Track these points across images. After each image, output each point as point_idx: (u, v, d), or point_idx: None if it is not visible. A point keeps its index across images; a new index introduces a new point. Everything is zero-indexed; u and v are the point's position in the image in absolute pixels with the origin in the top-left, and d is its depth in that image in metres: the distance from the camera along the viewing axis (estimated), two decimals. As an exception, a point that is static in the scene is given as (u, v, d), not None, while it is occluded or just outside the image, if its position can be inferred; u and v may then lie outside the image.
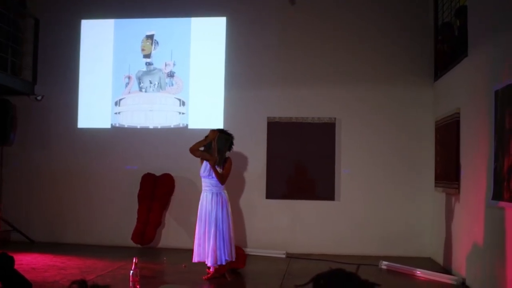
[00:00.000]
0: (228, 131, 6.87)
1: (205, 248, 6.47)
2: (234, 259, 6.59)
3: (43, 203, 9.40)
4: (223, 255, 6.43)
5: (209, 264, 6.48)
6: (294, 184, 8.86)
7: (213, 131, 6.72)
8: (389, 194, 8.69)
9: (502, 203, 5.19)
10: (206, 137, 6.68)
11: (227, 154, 6.77)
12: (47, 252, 8.13)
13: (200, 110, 9.22)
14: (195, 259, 6.56)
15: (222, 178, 6.58)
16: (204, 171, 6.64)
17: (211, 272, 6.56)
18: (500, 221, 5.31)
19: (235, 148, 8.99)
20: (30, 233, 9.26)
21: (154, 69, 9.39)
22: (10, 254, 5.29)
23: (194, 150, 6.63)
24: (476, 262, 6.07)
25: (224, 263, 6.48)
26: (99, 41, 9.54)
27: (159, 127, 9.31)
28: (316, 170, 8.78)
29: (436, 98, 8.46)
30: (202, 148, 6.67)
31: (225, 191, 6.67)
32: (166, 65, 9.36)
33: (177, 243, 8.92)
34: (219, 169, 6.57)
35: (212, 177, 6.56)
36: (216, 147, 6.59)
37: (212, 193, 6.57)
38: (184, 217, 9.05)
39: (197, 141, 6.68)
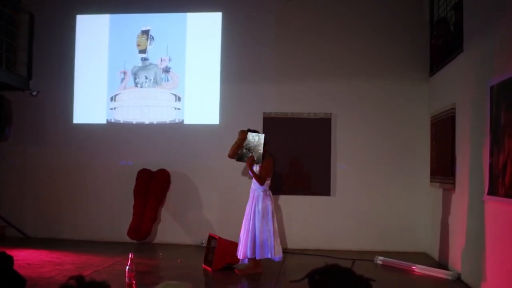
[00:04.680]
0: (255, 129, 6.77)
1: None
2: (257, 257, 6.53)
3: (38, 199, 9.39)
4: (246, 250, 6.52)
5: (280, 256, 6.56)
6: (290, 179, 8.86)
7: (242, 131, 6.66)
8: (384, 190, 8.70)
9: (498, 199, 5.20)
10: (237, 139, 6.65)
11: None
12: (43, 247, 8.13)
13: (195, 106, 9.20)
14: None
15: (259, 179, 6.53)
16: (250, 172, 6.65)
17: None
18: (496, 217, 5.33)
19: (231, 143, 8.95)
20: (25, 229, 9.26)
21: (150, 64, 9.36)
22: (6, 250, 5.28)
23: (231, 156, 6.69)
24: (472, 257, 6.09)
25: (245, 258, 6.61)
26: (95, 37, 9.50)
27: (154, 122, 9.29)
28: (312, 165, 8.79)
29: (431, 93, 8.47)
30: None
31: (263, 191, 6.54)
32: (161, 60, 9.34)
33: (173, 239, 8.94)
34: (256, 169, 6.55)
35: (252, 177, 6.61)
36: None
37: (251, 190, 6.63)
38: (179, 213, 9.07)
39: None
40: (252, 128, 6.81)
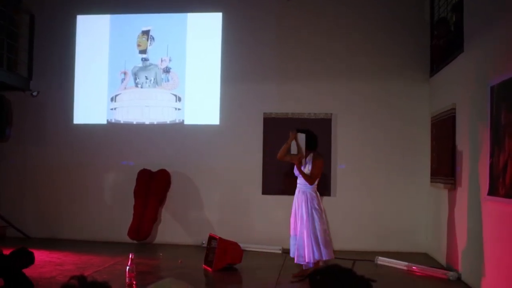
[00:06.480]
0: (303, 128, 6.63)
1: (294, 245, 6.41)
2: (324, 258, 6.29)
3: (38, 199, 9.39)
4: (310, 253, 6.30)
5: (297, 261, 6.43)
6: (290, 179, 8.79)
7: (291, 132, 6.56)
8: (385, 190, 8.70)
9: (498, 199, 5.20)
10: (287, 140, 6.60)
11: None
12: (43, 248, 8.11)
13: (196, 106, 9.20)
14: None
15: (309, 178, 6.44)
16: (295, 171, 6.58)
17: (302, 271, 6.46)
18: (496, 217, 5.33)
19: (231, 143, 9.02)
20: (26, 229, 9.26)
21: (150, 64, 9.37)
22: (6, 250, 5.28)
23: (281, 157, 6.65)
24: (472, 257, 6.09)
25: (310, 262, 6.34)
26: (95, 37, 9.51)
27: (155, 123, 9.29)
28: (312, 165, 8.76)
29: (432, 93, 8.47)
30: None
31: (314, 191, 6.48)
32: (162, 60, 9.34)
33: (173, 239, 8.94)
34: (305, 169, 6.47)
35: (301, 176, 6.50)
36: (299, 146, 6.48)
37: (299, 191, 6.54)
38: (180, 213, 9.07)
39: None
40: (299, 128, 6.63)
